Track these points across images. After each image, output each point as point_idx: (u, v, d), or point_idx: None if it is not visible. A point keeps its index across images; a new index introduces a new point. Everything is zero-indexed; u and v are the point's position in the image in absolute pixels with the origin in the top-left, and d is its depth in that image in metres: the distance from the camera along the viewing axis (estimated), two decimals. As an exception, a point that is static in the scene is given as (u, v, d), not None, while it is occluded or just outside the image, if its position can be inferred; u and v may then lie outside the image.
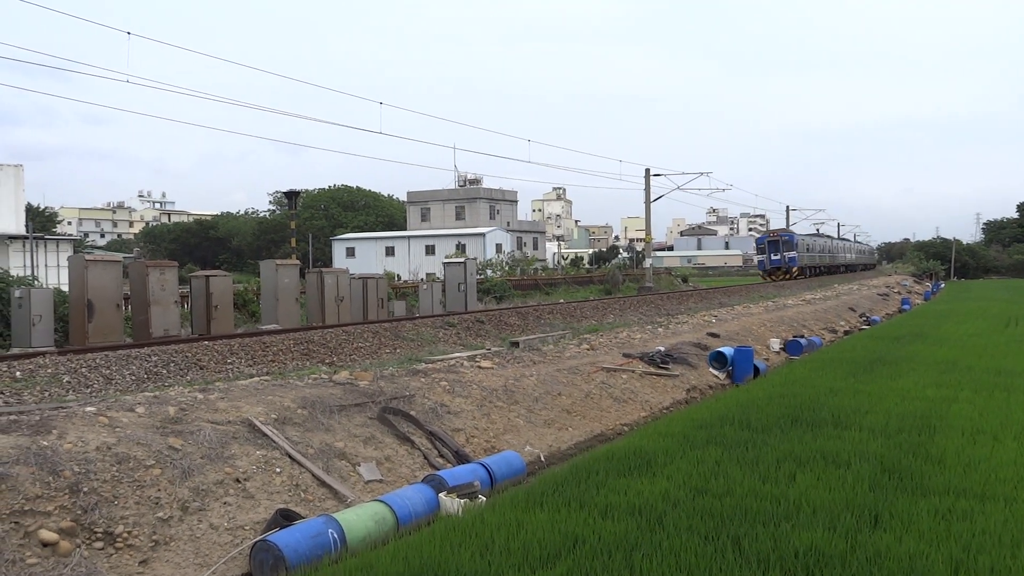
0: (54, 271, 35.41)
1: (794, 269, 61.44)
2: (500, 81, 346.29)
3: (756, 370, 17.50)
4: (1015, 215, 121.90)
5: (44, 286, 21.74)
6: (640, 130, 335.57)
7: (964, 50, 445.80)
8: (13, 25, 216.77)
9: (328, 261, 79.65)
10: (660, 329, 21.93)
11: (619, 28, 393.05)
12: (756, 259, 67.26)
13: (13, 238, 35.42)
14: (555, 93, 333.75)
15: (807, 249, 65.88)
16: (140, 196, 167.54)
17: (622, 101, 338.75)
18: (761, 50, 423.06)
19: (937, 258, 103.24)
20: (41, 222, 69.23)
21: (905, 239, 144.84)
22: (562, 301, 33.53)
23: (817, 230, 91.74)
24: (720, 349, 18.20)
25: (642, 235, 63.32)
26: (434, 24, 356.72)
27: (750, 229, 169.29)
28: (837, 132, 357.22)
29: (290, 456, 8.40)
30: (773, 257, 62.32)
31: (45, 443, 7.03)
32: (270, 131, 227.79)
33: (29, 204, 62.01)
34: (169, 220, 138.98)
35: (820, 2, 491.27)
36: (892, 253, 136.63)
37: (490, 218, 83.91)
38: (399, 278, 51.84)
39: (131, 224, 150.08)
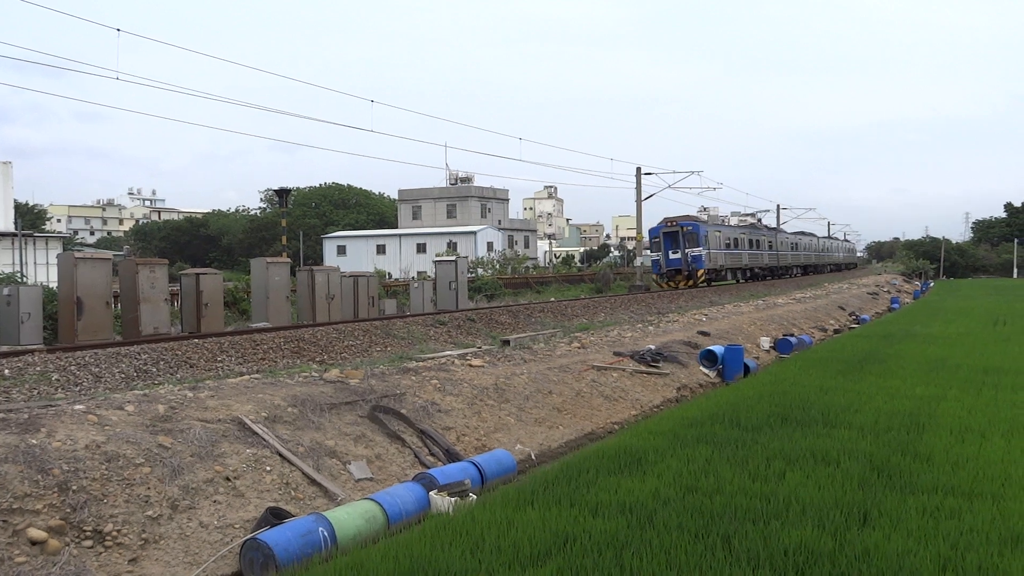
0: (43, 268, 35.25)
1: (699, 272, 44.05)
2: (492, 80, 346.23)
3: (746, 368, 17.55)
4: (1003, 215, 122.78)
5: (33, 284, 21.64)
6: (631, 129, 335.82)
7: (955, 53, 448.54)
8: (5, 22, 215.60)
9: (319, 259, 79.45)
10: (651, 327, 21.98)
11: (612, 30, 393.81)
12: (651, 258, 49.20)
13: (1, 235, 35.21)
14: (546, 92, 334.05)
15: (726, 245, 48.34)
16: (130, 194, 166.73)
17: (613, 101, 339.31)
18: (753, 52, 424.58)
19: (926, 257, 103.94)
20: (30, 219, 68.88)
21: (895, 238, 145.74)
22: (553, 299, 33.55)
23: (759, 220, 75.52)
24: (710, 347, 18.25)
25: (633, 234, 62.35)
26: (427, 24, 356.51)
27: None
28: (829, 132, 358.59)
29: (280, 454, 8.39)
30: (671, 256, 44.69)
31: (34, 441, 6.99)
32: (263, 129, 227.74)
33: (17, 201, 61.63)
34: (159, 218, 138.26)
35: (813, 5, 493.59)
36: (882, 252, 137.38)
37: (481, 216, 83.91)
38: (390, 276, 51.75)
39: (121, 222, 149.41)
